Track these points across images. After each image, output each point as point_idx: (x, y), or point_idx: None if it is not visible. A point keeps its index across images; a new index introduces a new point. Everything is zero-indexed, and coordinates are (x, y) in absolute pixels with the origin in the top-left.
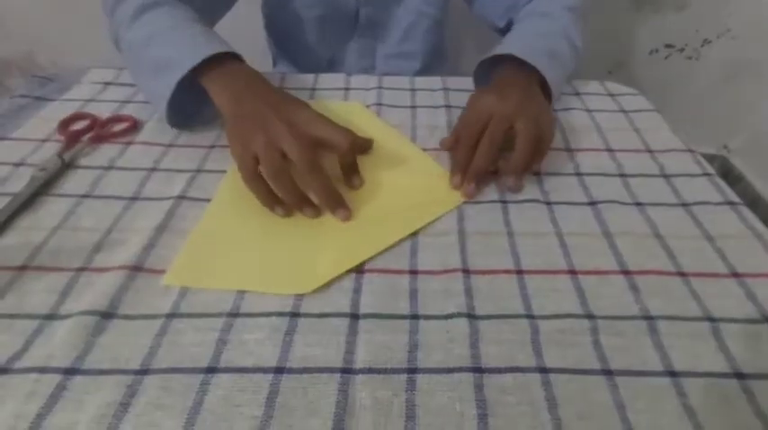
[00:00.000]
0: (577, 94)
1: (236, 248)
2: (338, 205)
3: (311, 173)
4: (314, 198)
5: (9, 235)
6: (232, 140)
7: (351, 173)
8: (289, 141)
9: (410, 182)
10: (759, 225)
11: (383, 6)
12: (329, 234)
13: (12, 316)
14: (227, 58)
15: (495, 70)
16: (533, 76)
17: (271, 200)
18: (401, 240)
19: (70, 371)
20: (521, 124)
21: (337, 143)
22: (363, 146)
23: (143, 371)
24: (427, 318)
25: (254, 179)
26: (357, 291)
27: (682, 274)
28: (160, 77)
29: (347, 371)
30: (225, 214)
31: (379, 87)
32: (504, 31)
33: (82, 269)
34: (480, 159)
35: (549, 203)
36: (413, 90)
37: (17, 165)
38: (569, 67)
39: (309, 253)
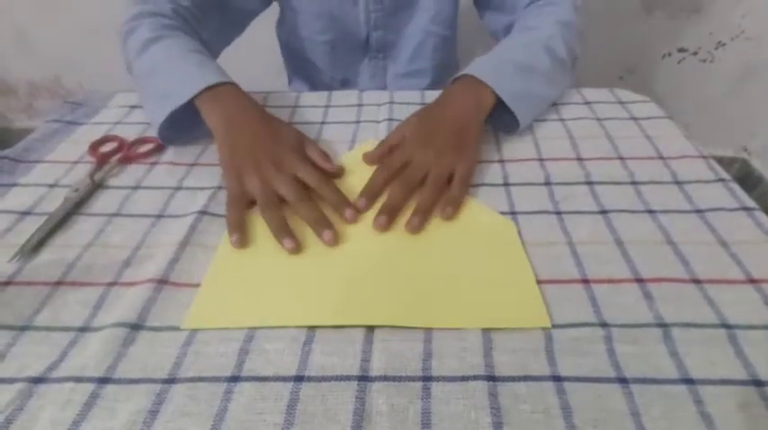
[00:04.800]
0: (587, 102)
1: (249, 288)
2: (324, 226)
3: (300, 202)
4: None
5: (45, 252)
6: (229, 173)
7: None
8: (279, 181)
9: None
10: None
11: (393, 29)
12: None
13: (48, 328)
14: (221, 84)
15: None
16: (485, 92)
17: (283, 227)
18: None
19: (103, 381)
20: (434, 172)
21: (316, 185)
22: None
23: (170, 380)
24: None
25: (236, 207)
26: None
27: (696, 281)
28: (160, 106)
29: (364, 379)
30: (233, 259)
31: (391, 102)
32: None
33: (112, 284)
34: (394, 198)
35: (559, 213)
36: (423, 104)
37: (51, 186)
38: (551, 78)
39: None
